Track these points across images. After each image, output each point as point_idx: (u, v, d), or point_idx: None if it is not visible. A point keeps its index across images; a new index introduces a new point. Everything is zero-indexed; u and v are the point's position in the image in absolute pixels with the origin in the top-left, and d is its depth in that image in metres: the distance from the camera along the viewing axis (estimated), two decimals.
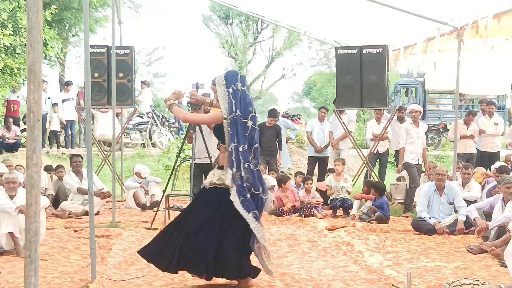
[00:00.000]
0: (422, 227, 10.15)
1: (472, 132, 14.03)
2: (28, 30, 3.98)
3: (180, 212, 8.14)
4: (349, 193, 12.24)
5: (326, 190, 12.50)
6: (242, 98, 6.27)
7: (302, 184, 12.40)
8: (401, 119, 13.82)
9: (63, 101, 19.61)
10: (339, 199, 12.10)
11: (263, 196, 6.36)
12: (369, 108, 14.00)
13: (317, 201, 12.13)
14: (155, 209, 11.06)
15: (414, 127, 12.32)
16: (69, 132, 19.85)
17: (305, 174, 13.58)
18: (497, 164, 12.18)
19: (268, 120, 13.70)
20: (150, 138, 22.27)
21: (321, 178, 13.78)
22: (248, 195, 6.19)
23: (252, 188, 6.25)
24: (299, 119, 27.32)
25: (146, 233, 9.72)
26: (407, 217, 11.74)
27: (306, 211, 11.56)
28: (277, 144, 13.67)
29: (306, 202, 11.84)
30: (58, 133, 19.80)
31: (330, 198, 12.25)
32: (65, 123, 19.81)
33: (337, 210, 12.11)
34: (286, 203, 11.71)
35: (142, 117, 22.00)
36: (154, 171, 17.33)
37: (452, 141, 14.10)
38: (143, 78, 27.52)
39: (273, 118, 13.76)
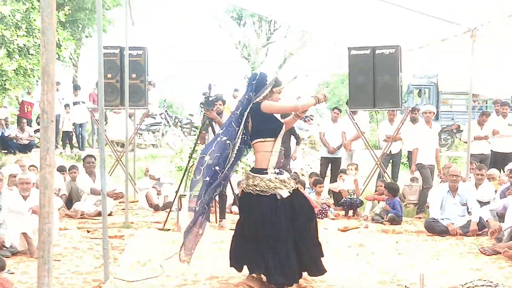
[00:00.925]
0: (435, 228, 10.13)
1: (486, 133, 13.97)
2: (42, 31, 3.99)
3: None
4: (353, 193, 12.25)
5: (339, 191, 12.49)
6: None
7: (314, 186, 12.38)
8: (414, 120, 13.77)
9: (74, 103, 19.62)
10: (348, 199, 12.11)
11: None
12: (382, 109, 13.94)
13: (327, 202, 12.13)
14: (168, 210, 11.08)
15: (427, 127, 12.28)
16: (80, 134, 19.82)
17: (317, 174, 13.56)
18: (510, 165, 12.11)
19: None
20: (163, 138, 22.33)
21: (334, 179, 13.75)
22: None
23: None
24: (312, 119, 27.28)
25: (159, 234, 9.74)
26: (420, 218, 11.70)
27: (321, 214, 11.52)
28: (296, 140, 13.85)
29: (319, 204, 11.80)
30: (71, 134, 19.82)
31: (342, 200, 12.25)
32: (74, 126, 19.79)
33: (348, 210, 12.10)
34: None
35: (154, 118, 22.05)
36: (167, 171, 17.34)
37: (466, 142, 14.06)
38: (155, 79, 27.55)
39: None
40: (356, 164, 12.86)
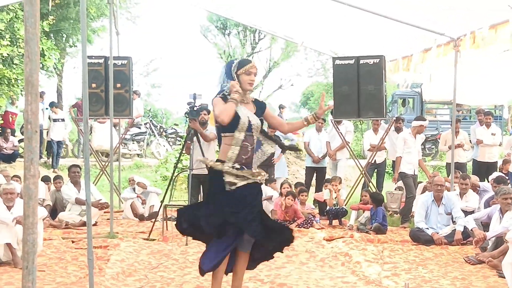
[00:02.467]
0: (420, 238, 10.16)
1: (460, 141, 14.00)
2: (26, 41, 3.98)
3: None
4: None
5: (324, 200, 12.51)
6: None
7: (298, 195, 12.38)
8: (398, 130, 13.83)
9: (53, 120, 19.13)
10: (333, 208, 12.13)
11: None
12: (366, 118, 14.01)
13: (317, 213, 12.15)
14: (153, 220, 11.05)
15: (411, 137, 12.32)
16: (56, 152, 19.06)
17: (303, 184, 13.59)
18: (494, 175, 12.18)
19: (268, 130, 13.74)
20: (148, 148, 22.30)
21: (319, 189, 13.78)
22: None
23: None
24: None
25: (144, 244, 9.72)
26: (404, 227, 11.73)
27: (306, 224, 11.52)
28: (281, 148, 13.79)
29: (304, 214, 11.80)
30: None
31: (327, 209, 12.28)
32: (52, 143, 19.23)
33: (333, 220, 12.12)
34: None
35: (139, 128, 22.01)
36: (152, 181, 17.32)
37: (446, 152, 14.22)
38: (140, 89, 27.48)
39: (272, 129, 13.80)
40: (340, 178, 12.88)
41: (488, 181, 12.43)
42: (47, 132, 19.25)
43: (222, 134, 6.01)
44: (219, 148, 6.23)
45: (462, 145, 14.10)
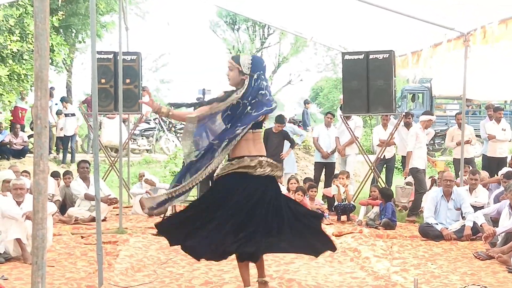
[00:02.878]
0: (429, 233, 10.13)
1: (467, 136, 13.95)
2: (35, 36, 3.98)
3: None
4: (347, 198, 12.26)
5: (333, 196, 12.49)
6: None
7: (308, 191, 12.37)
8: (407, 125, 13.79)
9: (65, 115, 19.28)
10: (342, 204, 12.12)
11: None
12: (375, 113, 14.00)
13: (327, 208, 12.13)
14: (162, 215, 11.05)
15: (422, 132, 12.30)
16: (69, 146, 19.33)
17: (312, 180, 13.59)
18: (504, 170, 12.14)
19: (275, 126, 13.75)
20: (157, 144, 22.32)
21: (328, 184, 13.76)
22: None
23: None
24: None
25: (153, 239, 9.72)
26: (413, 222, 11.72)
27: None
28: (290, 143, 13.84)
29: (313, 210, 11.79)
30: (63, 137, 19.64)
31: (335, 205, 12.27)
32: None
33: (341, 215, 12.11)
34: None
35: (149, 123, 22.03)
36: (161, 177, 17.35)
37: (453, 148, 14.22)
38: (149, 85, 27.52)
39: (280, 124, 13.81)
40: (348, 172, 12.88)
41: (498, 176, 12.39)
42: (56, 128, 19.27)
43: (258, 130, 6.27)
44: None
45: (470, 141, 14.06)
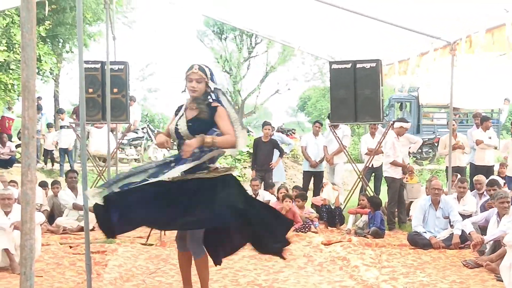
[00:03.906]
0: (418, 242, 10.15)
1: (460, 142, 14.02)
2: (22, 47, 3.98)
3: None
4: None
5: (322, 204, 12.50)
6: None
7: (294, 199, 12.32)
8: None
9: (61, 127, 18.92)
10: (327, 207, 12.17)
11: None
12: (363, 122, 14.03)
13: (315, 217, 12.13)
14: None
15: (397, 141, 12.31)
16: (69, 159, 18.64)
17: (301, 187, 13.62)
18: (491, 178, 12.22)
19: (263, 131, 13.81)
20: (145, 153, 22.29)
21: (316, 193, 13.76)
22: None
23: None
24: (294, 133, 27.36)
25: (142, 249, 9.71)
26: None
27: (304, 228, 11.49)
28: (280, 152, 13.85)
29: (303, 218, 11.79)
30: (53, 151, 19.38)
31: (321, 207, 12.32)
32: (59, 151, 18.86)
33: (328, 218, 12.14)
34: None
35: (136, 133, 21.99)
36: None
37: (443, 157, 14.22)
38: (136, 94, 27.47)
39: (267, 126, 13.93)
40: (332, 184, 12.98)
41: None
42: (44, 139, 19.13)
43: None
44: None
45: (463, 147, 14.13)
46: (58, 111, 19.54)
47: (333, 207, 12.29)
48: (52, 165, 19.24)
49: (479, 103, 21.35)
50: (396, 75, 13.37)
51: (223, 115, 5.84)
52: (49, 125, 19.34)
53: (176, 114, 6.07)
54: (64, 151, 18.47)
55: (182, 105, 6.04)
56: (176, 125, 5.92)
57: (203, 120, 5.85)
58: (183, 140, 5.80)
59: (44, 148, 19.25)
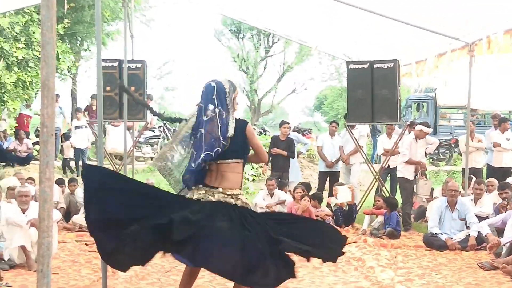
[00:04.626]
0: (434, 243, 10.12)
1: (477, 145, 13.97)
2: (42, 45, 3.99)
3: None
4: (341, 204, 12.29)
5: (337, 208, 12.47)
6: None
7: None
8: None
9: (76, 128, 18.64)
10: (340, 209, 12.18)
11: None
12: (380, 123, 14.00)
13: (326, 214, 12.10)
14: None
15: (415, 143, 12.27)
16: (80, 161, 18.22)
17: (314, 187, 13.63)
18: (509, 180, 12.17)
19: (281, 129, 13.82)
20: None
21: (332, 193, 13.74)
22: None
23: None
24: (310, 133, 27.33)
25: None
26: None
27: None
28: (290, 154, 13.77)
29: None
30: (68, 160, 18.98)
31: (334, 209, 12.31)
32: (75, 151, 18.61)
33: (341, 220, 12.11)
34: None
35: (153, 131, 22.05)
36: (166, 184, 17.28)
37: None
38: (154, 92, 27.53)
39: (285, 124, 13.95)
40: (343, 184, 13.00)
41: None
42: (62, 145, 19.09)
43: (239, 161, 5.64)
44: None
45: (483, 148, 14.13)
46: (77, 110, 19.43)
47: (346, 208, 12.23)
48: (72, 173, 18.77)
49: (496, 104, 21.18)
50: (414, 76, 13.32)
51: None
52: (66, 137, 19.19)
53: None
54: (79, 151, 18.37)
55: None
56: None
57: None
58: None
59: (63, 157, 19.11)
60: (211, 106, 5.47)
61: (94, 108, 19.67)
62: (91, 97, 20.82)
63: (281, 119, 16.26)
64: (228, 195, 5.48)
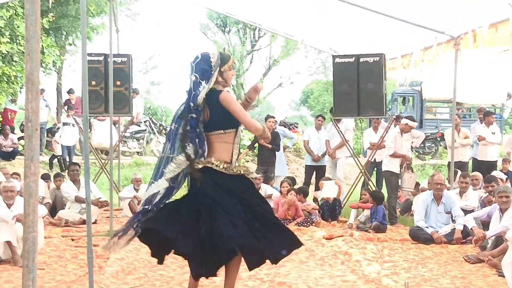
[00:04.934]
0: (420, 237, 10.15)
1: (463, 141, 14.02)
2: (26, 39, 3.97)
3: None
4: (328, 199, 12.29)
5: (323, 202, 12.48)
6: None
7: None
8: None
9: (64, 124, 18.65)
10: (326, 202, 12.18)
11: None
12: (366, 116, 14.03)
13: (313, 208, 12.12)
14: None
15: (400, 136, 12.29)
16: (67, 159, 18.29)
17: (300, 182, 13.63)
18: (494, 174, 12.23)
19: (266, 124, 13.79)
20: (147, 146, 22.31)
21: (318, 187, 13.76)
22: None
23: None
24: (296, 127, 27.34)
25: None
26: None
27: (306, 223, 11.49)
28: (275, 147, 13.71)
29: (304, 213, 11.79)
30: (58, 158, 18.97)
31: (321, 203, 12.32)
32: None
33: (327, 214, 12.12)
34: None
35: (139, 126, 21.99)
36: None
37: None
38: (139, 86, 27.42)
39: (270, 119, 13.93)
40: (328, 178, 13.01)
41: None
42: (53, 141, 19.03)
43: (221, 132, 5.71)
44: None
45: (468, 143, 14.19)
46: (69, 108, 19.15)
47: (331, 201, 12.25)
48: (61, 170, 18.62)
49: (482, 98, 21.30)
50: (399, 70, 13.35)
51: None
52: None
53: None
54: (66, 148, 18.28)
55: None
56: None
57: None
58: None
59: (53, 154, 19.02)
60: (190, 73, 5.71)
61: (73, 102, 19.63)
62: (68, 92, 20.77)
63: (268, 113, 16.27)
64: (217, 166, 5.64)
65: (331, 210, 12.19)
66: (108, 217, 11.07)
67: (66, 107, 19.60)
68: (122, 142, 19.16)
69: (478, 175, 12.28)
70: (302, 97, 52.34)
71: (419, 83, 24.88)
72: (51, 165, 18.66)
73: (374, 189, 12.69)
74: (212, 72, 5.68)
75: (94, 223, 11.45)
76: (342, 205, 12.59)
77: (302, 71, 41.69)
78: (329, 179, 13.04)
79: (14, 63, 16.82)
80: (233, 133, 5.76)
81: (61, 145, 18.39)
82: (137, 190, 12.85)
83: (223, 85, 5.79)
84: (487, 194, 10.96)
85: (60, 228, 11.15)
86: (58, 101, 25.47)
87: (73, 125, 17.87)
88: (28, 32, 3.97)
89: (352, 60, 12.86)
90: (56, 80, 26.64)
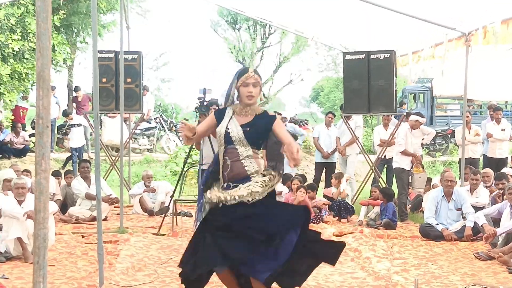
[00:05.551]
0: (430, 234, 10.13)
1: (473, 139, 14.00)
2: (38, 36, 3.99)
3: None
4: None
5: (332, 194, 12.49)
6: None
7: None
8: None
9: (70, 126, 18.55)
10: (337, 202, 12.14)
11: None
12: (376, 113, 13.99)
13: (324, 203, 12.11)
14: (163, 215, 11.05)
15: (410, 133, 12.24)
16: (77, 160, 17.50)
17: (310, 178, 13.61)
18: (505, 170, 12.19)
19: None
20: (158, 143, 22.34)
21: (328, 184, 13.75)
22: None
23: None
24: (307, 124, 27.31)
25: (154, 239, 9.74)
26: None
27: (316, 220, 11.49)
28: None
29: (314, 210, 11.78)
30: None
31: (332, 202, 12.29)
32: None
33: (338, 213, 12.09)
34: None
35: (149, 123, 22.03)
36: (162, 176, 17.35)
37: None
38: (150, 84, 27.46)
39: (279, 114, 13.94)
40: (341, 174, 12.90)
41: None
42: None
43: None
44: None
45: (478, 140, 14.15)
46: (64, 114, 19.01)
47: (340, 198, 12.24)
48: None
49: (493, 95, 21.17)
50: (410, 66, 13.31)
51: (282, 124, 5.62)
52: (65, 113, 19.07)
53: (217, 118, 5.59)
54: (75, 150, 18.14)
55: (224, 109, 5.62)
56: (227, 128, 5.46)
57: (259, 126, 5.51)
58: (232, 145, 5.46)
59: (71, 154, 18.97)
60: None
61: (80, 99, 19.69)
62: (74, 89, 20.82)
63: (277, 110, 16.26)
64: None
65: (340, 210, 12.11)
66: (118, 213, 11.12)
67: (74, 105, 19.66)
68: (133, 139, 19.18)
69: (489, 171, 12.24)
70: (312, 94, 52.25)
71: (430, 80, 24.79)
72: (66, 163, 18.62)
73: (384, 186, 12.67)
74: (229, 91, 5.69)
75: (105, 219, 11.48)
76: (352, 202, 12.56)
77: (313, 68, 41.69)
78: (341, 174, 12.98)
79: (25, 61, 16.89)
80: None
81: (70, 147, 18.31)
82: (147, 187, 12.87)
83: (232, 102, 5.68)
84: (497, 190, 10.93)
85: (70, 225, 11.19)
86: (69, 98, 25.52)
87: (77, 125, 17.95)
88: (39, 30, 3.98)
89: (362, 56, 12.85)
90: (67, 77, 26.70)
